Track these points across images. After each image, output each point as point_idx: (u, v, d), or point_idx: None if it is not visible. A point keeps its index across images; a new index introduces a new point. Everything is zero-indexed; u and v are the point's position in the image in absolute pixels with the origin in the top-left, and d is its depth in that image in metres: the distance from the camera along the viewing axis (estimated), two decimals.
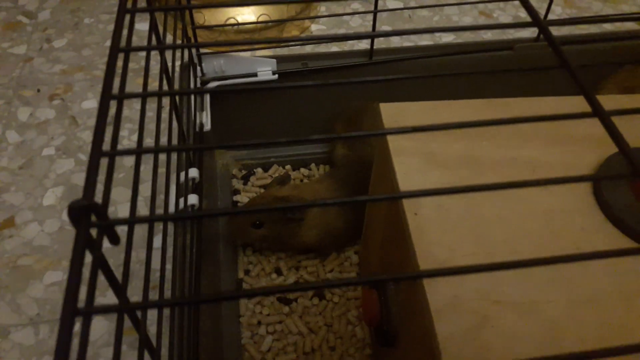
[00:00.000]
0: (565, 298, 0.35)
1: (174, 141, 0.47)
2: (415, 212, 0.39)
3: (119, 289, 0.20)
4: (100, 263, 0.19)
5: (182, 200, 0.42)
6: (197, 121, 0.52)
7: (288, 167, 0.70)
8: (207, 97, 0.55)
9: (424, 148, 0.43)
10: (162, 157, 0.52)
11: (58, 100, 0.82)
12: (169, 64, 0.41)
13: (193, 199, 0.43)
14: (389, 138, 0.43)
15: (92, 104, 0.81)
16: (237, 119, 0.66)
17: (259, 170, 0.69)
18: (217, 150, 0.67)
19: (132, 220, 0.20)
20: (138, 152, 0.23)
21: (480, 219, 0.39)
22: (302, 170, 0.70)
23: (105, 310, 0.17)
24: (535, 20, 0.27)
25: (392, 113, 0.45)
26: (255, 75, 0.59)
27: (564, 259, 0.20)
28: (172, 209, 0.41)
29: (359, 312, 0.58)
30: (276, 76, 0.60)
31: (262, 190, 0.67)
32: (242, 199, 0.66)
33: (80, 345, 0.16)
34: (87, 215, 0.18)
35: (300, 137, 0.26)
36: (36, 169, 0.72)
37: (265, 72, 0.59)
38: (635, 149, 0.39)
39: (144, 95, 0.25)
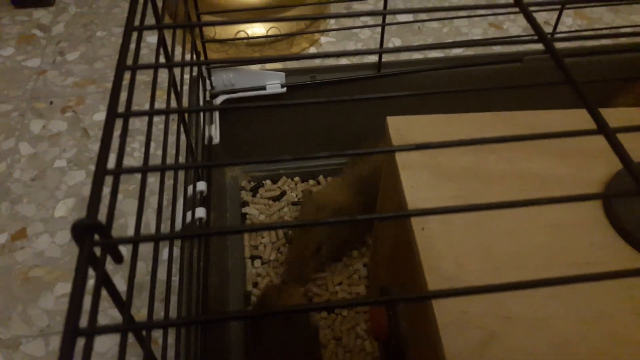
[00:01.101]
0: (576, 314, 0.34)
1: (182, 154, 0.47)
2: (423, 226, 0.38)
3: (123, 307, 0.20)
4: (104, 281, 0.19)
5: (190, 213, 0.43)
6: (206, 134, 0.53)
7: (297, 179, 0.70)
8: (216, 111, 0.55)
9: (432, 161, 0.43)
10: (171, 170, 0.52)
11: (70, 113, 0.83)
12: (178, 79, 0.41)
13: (201, 212, 0.43)
14: (396, 152, 0.43)
15: (103, 116, 0.82)
16: (246, 131, 0.66)
17: (268, 182, 0.69)
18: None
19: (137, 240, 0.20)
20: (144, 170, 0.23)
21: (488, 233, 0.38)
22: (311, 182, 0.70)
23: (108, 330, 0.17)
24: (540, 35, 0.27)
25: (399, 127, 0.45)
26: (264, 88, 0.60)
27: (575, 279, 0.20)
28: (179, 222, 0.41)
29: (368, 326, 0.58)
30: (285, 89, 0.61)
31: (271, 202, 0.67)
32: (251, 210, 0.66)
33: None
34: (90, 234, 0.18)
35: (306, 154, 0.26)
36: (48, 181, 0.73)
37: (274, 85, 0.60)
38: None
39: (151, 113, 0.26)
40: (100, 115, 0.83)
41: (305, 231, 0.56)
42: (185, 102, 0.54)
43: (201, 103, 0.55)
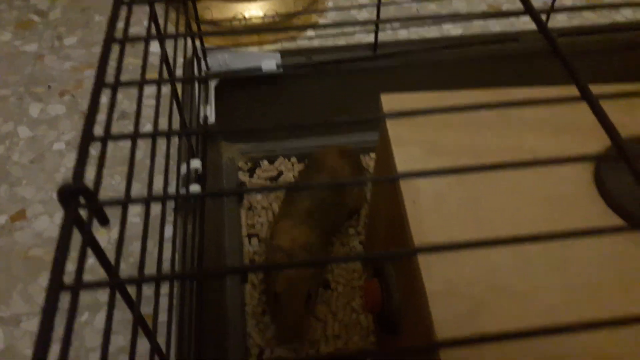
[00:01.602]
0: (563, 284, 0.35)
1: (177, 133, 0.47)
2: (414, 200, 0.39)
3: (110, 267, 0.21)
4: (90, 243, 0.19)
5: (184, 191, 0.43)
6: (201, 114, 0.53)
7: (293, 159, 0.70)
8: (212, 90, 0.55)
9: (424, 138, 0.43)
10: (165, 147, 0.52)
11: (68, 96, 0.83)
12: (171, 56, 0.41)
13: (195, 188, 0.43)
14: (389, 127, 0.43)
15: (101, 99, 0.82)
16: (242, 113, 0.67)
17: (265, 162, 0.70)
18: (223, 143, 0.68)
19: (125, 202, 0.21)
20: (133, 136, 0.23)
21: (479, 207, 0.39)
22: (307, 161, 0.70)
23: (92, 286, 0.17)
24: (527, 8, 0.27)
25: (393, 104, 0.46)
26: (260, 69, 0.60)
27: (556, 236, 0.20)
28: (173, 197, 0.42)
29: (362, 299, 0.59)
30: (281, 70, 0.61)
31: (268, 182, 0.68)
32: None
33: (67, 321, 0.17)
34: (76, 198, 0.18)
35: (296, 125, 0.26)
36: (47, 163, 0.73)
37: (270, 65, 0.60)
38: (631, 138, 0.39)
39: (141, 83, 0.26)
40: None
41: (292, 285, 0.51)
42: (179, 84, 0.55)
43: (196, 84, 0.56)
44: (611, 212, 0.39)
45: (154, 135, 0.23)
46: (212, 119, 0.53)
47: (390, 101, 0.46)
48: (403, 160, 0.41)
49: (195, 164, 0.45)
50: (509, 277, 0.35)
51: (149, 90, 0.75)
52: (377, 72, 0.67)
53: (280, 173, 0.69)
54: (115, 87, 0.24)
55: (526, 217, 0.38)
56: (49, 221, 0.67)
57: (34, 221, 0.67)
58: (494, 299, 0.34)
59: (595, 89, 0.24)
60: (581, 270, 0.35)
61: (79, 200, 0.19)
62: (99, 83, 0.22)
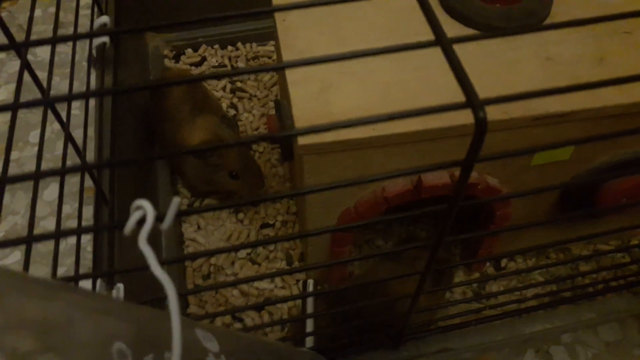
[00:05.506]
0: (398, 67, 0.42)
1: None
2: (284, 18, 0.46)
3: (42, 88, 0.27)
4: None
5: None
6: None
7: (216, 46, 0.76)
8: None
9: None
10: None
11: (5, 13, 0.87)
12: None
13: (104, 38, 0.49)
14: None
15: (36, 13, 0.87)
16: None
17: (189, 50, 0.75)
18: (148, 33, 0.73)
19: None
20: None
21: (337, 18, 0.45)
22: (230, 48, 0.76)
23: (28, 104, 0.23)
24: None
25: None
26: None
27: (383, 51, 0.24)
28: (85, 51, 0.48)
29: (266, 129, 0.65)
30: None
31: (193, 68, 0.74)
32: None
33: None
34: None
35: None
36: None
37: None
38: None
39: None
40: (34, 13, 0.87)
41: (242, 157, 0.58)
42: None
43: None
44: (446, 15, 0.46)
45: None
46: None
47: None
48: None
49: (104, 19, 0.51)
50: (355, 65, 0.42)
51: None
52: None
53: (203, 59, 0.75)
54: None
55: (374, 23, 0.45)
56: None
57: None
58: (341, 80, 0.41)
59: None
60: (414, 56, 0.42)
61: None
62: None
